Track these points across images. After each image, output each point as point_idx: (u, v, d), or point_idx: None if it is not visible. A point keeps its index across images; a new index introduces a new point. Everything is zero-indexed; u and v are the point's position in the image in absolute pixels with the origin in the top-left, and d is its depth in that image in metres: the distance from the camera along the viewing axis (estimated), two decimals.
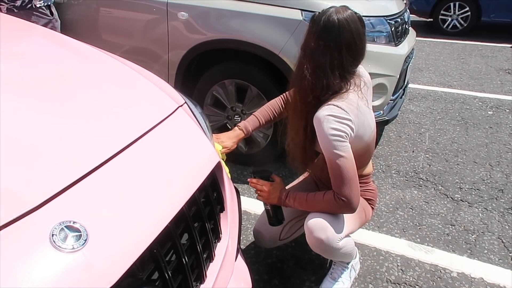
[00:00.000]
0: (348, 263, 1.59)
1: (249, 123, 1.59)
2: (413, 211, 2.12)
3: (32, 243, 0.59)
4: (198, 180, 0.92)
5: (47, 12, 2.43)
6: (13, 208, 0.60)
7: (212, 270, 0.94)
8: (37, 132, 0.78)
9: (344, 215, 1.39)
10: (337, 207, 1.30)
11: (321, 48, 1.25)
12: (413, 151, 2.79)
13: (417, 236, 1.93)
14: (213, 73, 2.40)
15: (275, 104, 1.64)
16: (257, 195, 1.49)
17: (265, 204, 1.50)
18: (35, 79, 0.99)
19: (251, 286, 1.24)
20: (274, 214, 1.49)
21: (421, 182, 2.40)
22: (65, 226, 0.62)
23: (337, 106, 1.26)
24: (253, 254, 1.79)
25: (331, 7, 1.28)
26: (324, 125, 1.24)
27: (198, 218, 0.93)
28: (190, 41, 2.32)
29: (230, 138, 1.55)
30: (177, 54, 2.39)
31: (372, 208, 1.57)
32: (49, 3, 2.44)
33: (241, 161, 2.53)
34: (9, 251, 0.56)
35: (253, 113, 1.62)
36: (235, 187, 1.25)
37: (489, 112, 3.47)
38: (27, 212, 0.61)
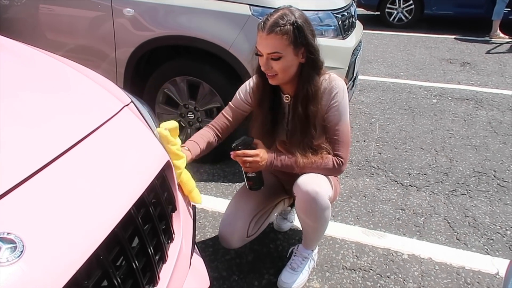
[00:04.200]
0: (308, 253, 1.62)
1: (192, 149, 1.43)
2: (366, 199, 2.20)
3: None
4: (146, 181, 0.90)
5: None
6: None
7: (165, 272, 0.93)
8: None
9: (326, 184, 1.44)
10: (332, 168, 1.42)
11: None
12: (364, 141, 2.88)
13: (370, 222, 2.00)
14: (164, 71, 2.35)
15: (207, 134, 1.52)
16: (244, 167, 1.41)
17: (248, 172, 1.43)
18: None
19: (209, 284, 1.23)
20: (258, 179, 1.45)
21: (372, 170, 2.49)
22: None
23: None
24: (211, 252, 1.78)
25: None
26: (345, 93, 1.41)
27: (149, 220, 0.91)
28: (138, 39, 2.26)
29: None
30: (125, 52, 2.32)
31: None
32: None
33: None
34: None
35: (192, 140, 1.47)
36: None
37: (433, 100, 3.66)
38: None
